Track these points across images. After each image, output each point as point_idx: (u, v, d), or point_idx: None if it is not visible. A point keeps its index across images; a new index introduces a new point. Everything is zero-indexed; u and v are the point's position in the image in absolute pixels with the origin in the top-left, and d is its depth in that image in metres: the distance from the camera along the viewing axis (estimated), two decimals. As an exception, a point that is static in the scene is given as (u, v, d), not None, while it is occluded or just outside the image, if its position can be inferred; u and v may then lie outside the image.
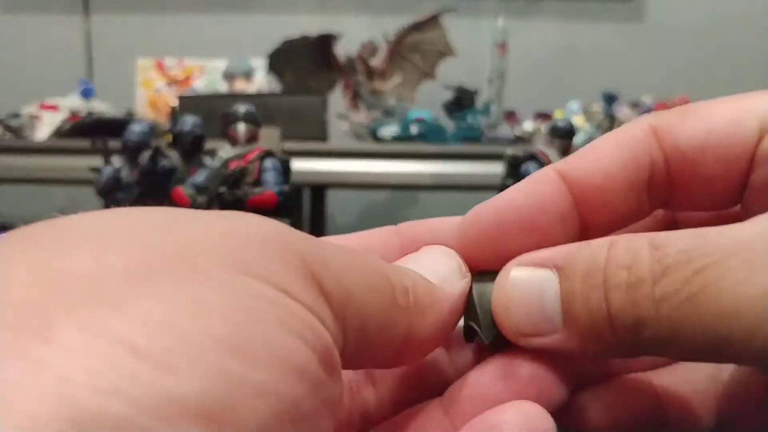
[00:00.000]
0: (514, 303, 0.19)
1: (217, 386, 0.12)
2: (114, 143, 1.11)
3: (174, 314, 0.12)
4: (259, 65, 1.80)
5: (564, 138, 1.13)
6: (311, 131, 1.50)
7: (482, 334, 0.19)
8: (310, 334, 0.14)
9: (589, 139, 1.61)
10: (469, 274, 0.20)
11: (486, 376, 0.19)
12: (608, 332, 0.17)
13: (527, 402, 0.18)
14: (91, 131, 1.12)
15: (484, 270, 0.20)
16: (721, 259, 0.16)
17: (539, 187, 0.20)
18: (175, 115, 1.11)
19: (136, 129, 1.09)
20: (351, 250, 0.17)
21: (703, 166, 0.20)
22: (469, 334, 0.20)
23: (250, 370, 0.12)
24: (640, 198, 0.20)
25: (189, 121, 1.08)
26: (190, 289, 0.13)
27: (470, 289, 0.20)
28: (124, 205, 0.17)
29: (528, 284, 0.19)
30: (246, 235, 0.15)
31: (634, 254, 0.17)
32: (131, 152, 1.07)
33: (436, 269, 0.20)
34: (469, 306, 0.20)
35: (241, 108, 1.08)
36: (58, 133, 1.57)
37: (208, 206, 1.02)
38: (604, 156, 0.20)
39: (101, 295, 0.12)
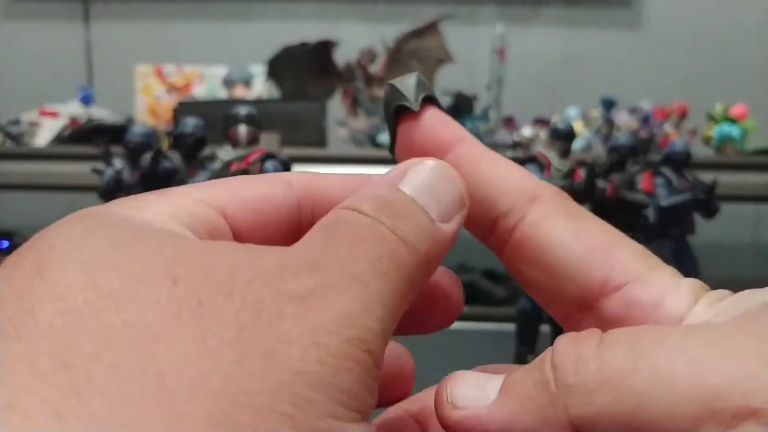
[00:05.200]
0: (460, 382, 0.19)
1: None
2: (115, 148, 1.11)
3: None
4: (259, 72, 1.81)
5: (564, 140, 1.13)
6: (310, 137, 1.51)
7: (412, 107, 0.21)
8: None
9: (588, 145, 1.62)
10: (467, 201, 0.20)
11: None
12: (536, 399, 0.17)
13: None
14: (91, 137, 1.12)
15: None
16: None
17: None
18: (177, 117, 1.11)
19: (138, 130, 1.09)
20: (382, 266, 0.17)
21: None
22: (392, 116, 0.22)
23: None
24: None
25: (190, 123, 1.08)
26: None
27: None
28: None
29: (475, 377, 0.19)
30: (336, 352, 0.15)
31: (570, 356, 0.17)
32: (133, 153, 1.07)
33: (440, 198, 0.19)
34: (388, 95, 0.22)
35: (243, 110, 1.08)
36: (58, 139, 1.57)
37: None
38: None
39: None
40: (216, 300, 0.14)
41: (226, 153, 1.07)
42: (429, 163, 0.20)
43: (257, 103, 1.56)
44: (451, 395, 0.19)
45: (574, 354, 0.17)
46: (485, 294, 1.48)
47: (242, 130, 1.07)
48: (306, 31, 1.77)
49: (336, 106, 1.67)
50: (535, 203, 0.21)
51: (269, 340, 0.14)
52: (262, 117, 1.12)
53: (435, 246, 0.18)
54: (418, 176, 0.19)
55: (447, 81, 1.70)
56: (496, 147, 1.59)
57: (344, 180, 0.22)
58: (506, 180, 0.21)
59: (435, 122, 0.21)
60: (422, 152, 0.21)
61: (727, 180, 1.24)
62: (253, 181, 0.20)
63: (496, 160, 0.21)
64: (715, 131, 1.51)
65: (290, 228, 0.20)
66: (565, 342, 0.18)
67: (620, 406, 0.16)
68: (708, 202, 1.14)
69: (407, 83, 0.21)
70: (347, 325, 0.15)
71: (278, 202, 0.20)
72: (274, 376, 0.14)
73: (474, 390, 0.19)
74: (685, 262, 1.15)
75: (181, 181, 1.06)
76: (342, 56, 1.66)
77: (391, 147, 0.22)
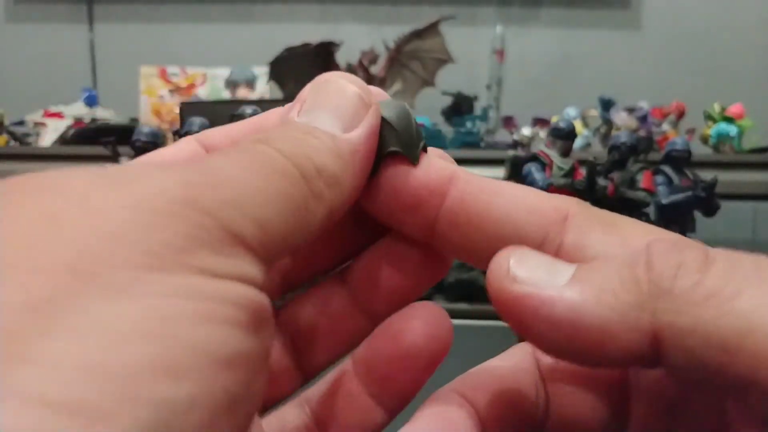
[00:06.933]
0: (525, 257, 0.17)
1: (150, 420, 0.11)
2: (121, 148, 1.12)
3: (87, 353, 0.11)
4: (261, 73, 1.82)
5: (565, 139, 1.14)
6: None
7: (409, 157, 0.20)
8: (235, 309, 0.13)
9: (587, 144, 1.63)
10: (372, 99, 0.19)
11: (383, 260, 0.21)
12: (621, 295, 0.15)
13: (430, 305, 0.20)
14: (95, 138, 1.13)
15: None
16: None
17: None
18: (182, 117, 1.12)
19: (145, 130, 1.10)
20: (253, 164, 0.16)
21: None
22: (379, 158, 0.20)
23: (179, 386, 0.12)
24: None
25: (197, 122, 1.09)
26: (101, 316, 0.11)
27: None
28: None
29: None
30: (154, 209, 0.13)
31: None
32: (140, 153, 1.08)
33: (338, 110, 0.19)
34: (382, 133, 0.20)
35: (248, 109, 1.09)
36: (63, 140, 1.57)
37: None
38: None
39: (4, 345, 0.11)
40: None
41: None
42: (316, 82, 0.20)
43: (260, 103, 1.56)
44: (513, 268, 0.17)
45: (676, 259, 0.15)
46: (486, 292, 1.48)
47: (248, 129, 1.08)
48: (308, 32, 1.77)
49: (337, 107, 1.68)
50: (566, 224, 0.19)
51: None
52: (265, 117, 1.12)
53: (341, 159, 0.18)
54: (310, 100, 0.19)
55: (447, 81, 1.71)
56: (496, 146, 1.60)
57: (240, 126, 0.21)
58: (524, 208, 0.19)
59: (424, 165, 0.20)
60: (413, 199, 0.20)
61: (725, 178, 1.24)
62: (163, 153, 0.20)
63: (499, 188, 0.19)
64: (712, 130, 1.52)
65: None
66: (663, 246, 0.16)
67: (722, 326, 0.14)
68: (709, 200, 1.14)
69: (403, 124, 0.20)
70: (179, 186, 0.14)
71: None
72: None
73: (541, 270, 0.17)
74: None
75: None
76: (343, 57, 1.67)
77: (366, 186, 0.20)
